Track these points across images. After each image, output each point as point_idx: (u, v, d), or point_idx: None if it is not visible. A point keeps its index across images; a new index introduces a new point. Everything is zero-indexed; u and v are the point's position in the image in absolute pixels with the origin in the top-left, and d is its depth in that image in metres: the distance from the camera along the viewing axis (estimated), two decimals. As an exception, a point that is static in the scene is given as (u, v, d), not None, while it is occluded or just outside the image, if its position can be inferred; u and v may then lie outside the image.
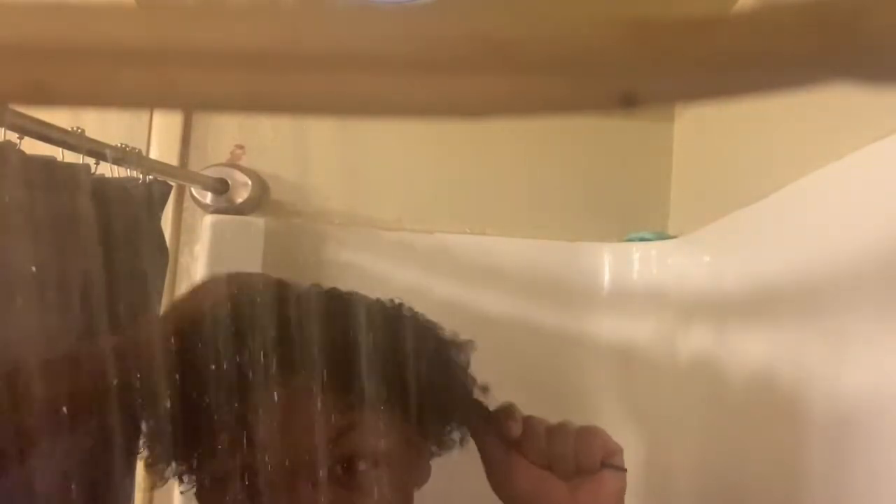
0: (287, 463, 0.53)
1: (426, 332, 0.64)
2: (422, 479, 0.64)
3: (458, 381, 0.64)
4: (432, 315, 0.65)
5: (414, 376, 0.57)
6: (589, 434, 0.61)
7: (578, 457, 0.60)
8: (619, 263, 1.08)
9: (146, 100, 0.21)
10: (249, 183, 1.08)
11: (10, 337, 0.58)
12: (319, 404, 0.54)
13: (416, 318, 0.64)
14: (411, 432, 0.61)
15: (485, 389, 0.65)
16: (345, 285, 0.65)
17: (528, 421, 0.62)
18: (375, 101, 0.20)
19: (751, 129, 0.86)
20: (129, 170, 0.80)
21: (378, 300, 0.63)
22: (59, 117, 0.70)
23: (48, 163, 0.69)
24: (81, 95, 0.20)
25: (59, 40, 0.20)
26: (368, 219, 1.11)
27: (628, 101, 0.20)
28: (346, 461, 0.56)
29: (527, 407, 0.68)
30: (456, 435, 0.65)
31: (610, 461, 0.60)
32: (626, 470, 0.61)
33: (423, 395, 0.59)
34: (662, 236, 1.07)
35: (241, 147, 1.11)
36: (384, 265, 1.05)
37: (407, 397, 0.58)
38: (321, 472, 0.54)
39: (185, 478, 0.60)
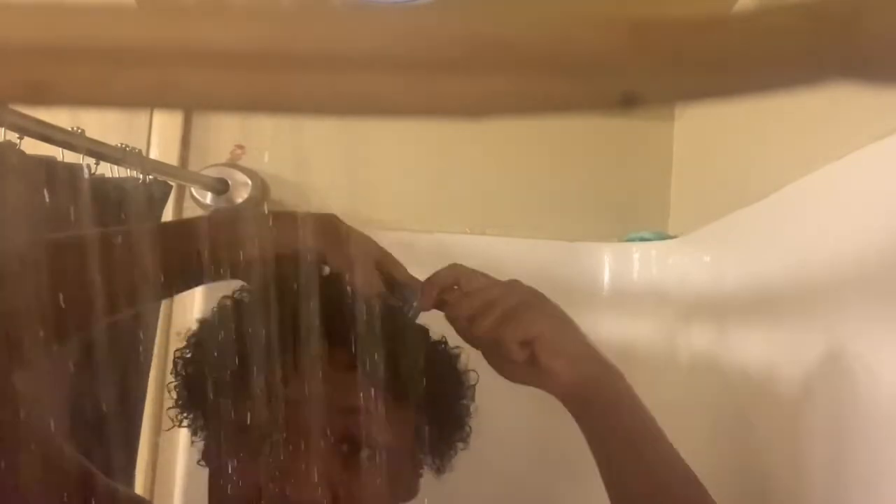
0: (300, 422, 0.54)
1: (452, 357, 0.65)
2: (410, 494, 0.64)
3: (465, 406, 0.65)
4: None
5: (431, 386, 0.59)
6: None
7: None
8: (619, 263, 1.08)
9: (146, 100, 0.21)
10: (249, 183, 1.08)
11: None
12: (337, 376, 0.55)
13: (444, 344, 0.65)
14: (413, 440, 0.61)
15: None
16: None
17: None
18: (375, 101, 0.20)
19: (751, 129, 0.86)
20: (129, 170, 0.80)
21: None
22: (59, 117, 0.70)
23: (48, 163, 0.69)
24: (81, 95, 0.20)
25: (59, 40, 0.20)
26: (368, 219, 1.11)
27: (628, 101, 0.20)
28: (352, 441, 0.56)
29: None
30: (450, 455, 0.65)
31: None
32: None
33: (436, 405, 0.61)
34: (662, 236, 1.07)
35: (241, 147, 1.11)
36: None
37: (421, 402, 0.59)
38: (327, 440, 0.55)
39: (199, 433, 0.63)
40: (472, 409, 0.66)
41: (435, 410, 0.61)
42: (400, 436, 0.59)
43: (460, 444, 0.65)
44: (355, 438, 0.56)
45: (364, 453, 0.56)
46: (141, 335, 0.81)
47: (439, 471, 0.65)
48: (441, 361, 0.63)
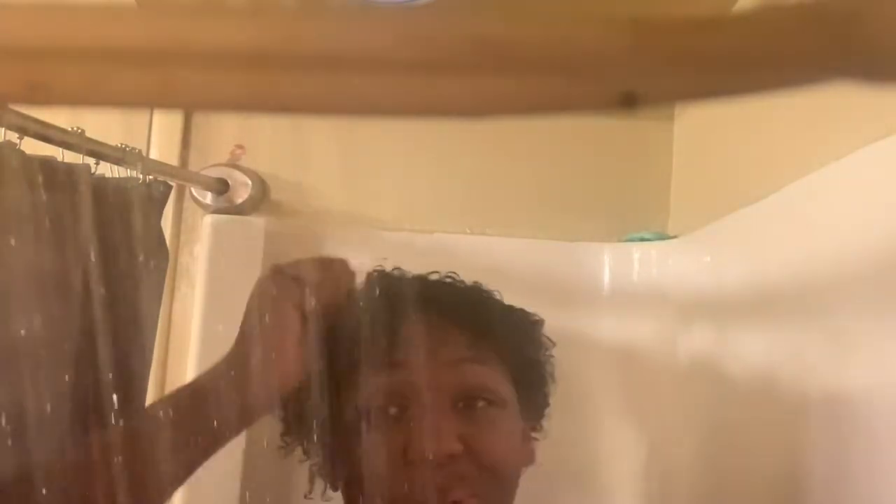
0: (419, 380, 0.61)
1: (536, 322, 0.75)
2: (529, 458, 0.70)
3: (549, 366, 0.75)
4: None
5: (523, 346, 0.71)
6: None
7: None
8: (619, 263, 1.08)
9: (146, 100, 0.21)
10: (249, 183, 1.08)
11: (11, 337, 0.58)
12: (454, 334, 0.64)
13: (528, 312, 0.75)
14: (515, 395, 0.68)
15: None
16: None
17: None
18: (375, 101, 0.20)
19: (751, 129, 0.86)
20: (129, 170, 0.80)
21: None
22: (59, 117, 0.70)
23: (48, 163, 0.69)
24: (81, 95, 0.20)
25: (59, 40, 0.20)
26: (368, 219, 1.11)
27: (628, 101, 0.20)
28: (468, 393, 0.63)
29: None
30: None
31: None
32: None
33: (528, 364, 0.71)
34: (662, 236, 1.07)
35: (241, 147, 1.11)
36: (384, 265, 1.05)
37: (518, 362, 0.68)
38: (446, 392, 0.62)
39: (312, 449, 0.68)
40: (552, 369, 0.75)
41: (526, 368, 0.70)
42: (505, 387, 0.65)
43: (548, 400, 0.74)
44: (471, 390, 0.63)
45: (481, 403, 0.63)
46: (140, 338, 0.81)
47: (535, 429, 0.72)
48: (528, 325, 0.73)
